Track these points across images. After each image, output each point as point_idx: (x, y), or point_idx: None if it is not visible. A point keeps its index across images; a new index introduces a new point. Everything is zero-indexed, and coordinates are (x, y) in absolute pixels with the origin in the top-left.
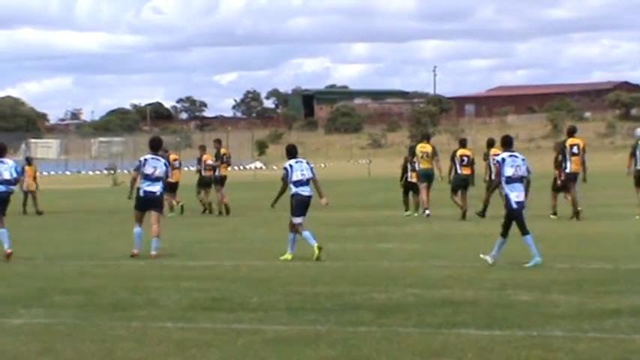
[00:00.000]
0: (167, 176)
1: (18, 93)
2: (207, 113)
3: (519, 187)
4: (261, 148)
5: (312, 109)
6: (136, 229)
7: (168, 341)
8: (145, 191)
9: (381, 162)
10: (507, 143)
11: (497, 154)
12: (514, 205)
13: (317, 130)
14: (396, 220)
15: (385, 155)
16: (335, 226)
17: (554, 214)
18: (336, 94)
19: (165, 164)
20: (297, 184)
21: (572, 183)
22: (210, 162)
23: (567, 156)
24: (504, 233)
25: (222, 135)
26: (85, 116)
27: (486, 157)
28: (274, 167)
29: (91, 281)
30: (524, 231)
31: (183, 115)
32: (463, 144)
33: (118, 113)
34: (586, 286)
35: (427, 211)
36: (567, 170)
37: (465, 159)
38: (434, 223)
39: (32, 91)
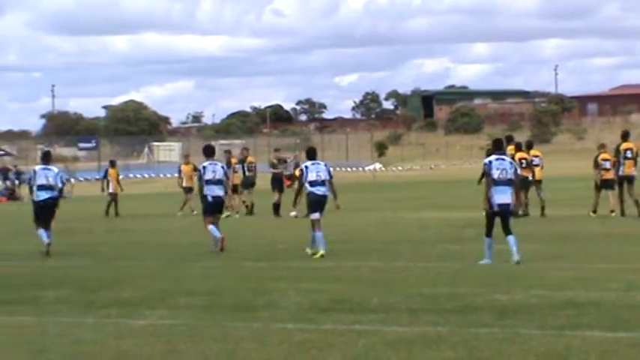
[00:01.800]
0: (227, 177)
1: (141, 97)
2: (327, 115)
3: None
4: (381, 149)
5: (431, 109)
6: (211, 227)
7: (290, 342)
8: (212, 196)
9: None
10: (497, 146)
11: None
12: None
13: (436, 131)
14: (516, 221)
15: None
16: (455, 227)
17: (594, 212)
18: (455, 95)
19: (222, 167)
20: (313, 183)
21: (629, 185)
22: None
23: (621, 160)
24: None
25: (342, 137)
26: (206, 119)
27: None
28: (394, 168)
29: (213, 283)
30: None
31: (303, 117)
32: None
33: (239, 116)
34: None
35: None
36: (620, 173)
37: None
38: (554, 223)
39: (155, 95)
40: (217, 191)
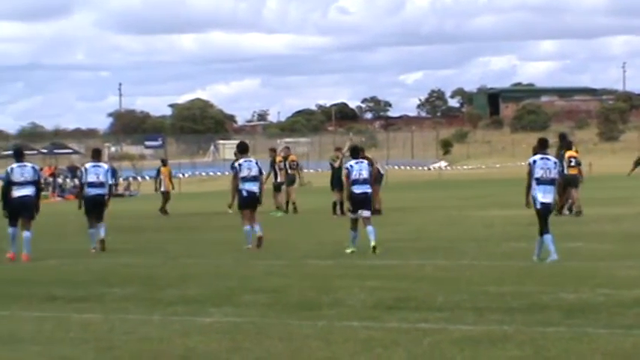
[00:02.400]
0: (261, 173)
1: (207, 95)
2: (392, 113)
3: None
4: (446, 147)
5: (497, 107)
6: (246, 228)
7: (355, 340)
8: (247, 191)
9: None
10: (542, 145)
11: None
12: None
13: (503, 129)
14: (583, 219)
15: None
16: (520, 225)
17: None
18: (521, 92)
19: (256, 163)
20: (354, 182)
21: None
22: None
23: None
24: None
25: (407, 135)
26: (272, 117)
27: None
28: (459, 167)
29: (278, 280)
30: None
31: (368, 115)
32: None
33: (304, 114)
34: None
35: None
36: None
37: None
38: (624, 222)
39: (221, 93)
40: (252, 187)
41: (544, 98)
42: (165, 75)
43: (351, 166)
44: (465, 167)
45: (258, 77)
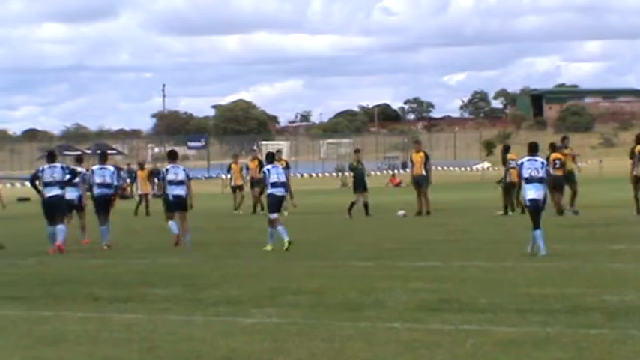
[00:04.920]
0: (189, 179)
1: (251, 96)
2: (435, 114)
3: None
4: (489, 148)
5: (540, 108)
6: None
7: (397, 341)
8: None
9: (613, 161)
10: (531, 149)
11: None
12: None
13: (546, 130)
14: (627, 221)
15: (617, 155)
16: (564, 227)
17: None
18: (565, 93)
19: (184, 170)
20: (273, 185)
21: None
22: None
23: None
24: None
25: (450, 135)
26: (314, 118)
27: None
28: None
29: (320, 281)
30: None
31: (411, 116)
32: None
33: (347, 115)
34: None
35: None
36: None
37: None
38: None
39: (264, 94)
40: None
41: (588, 99)
42: (208, 76)
43: (268, 170)
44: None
45: (302, 78)
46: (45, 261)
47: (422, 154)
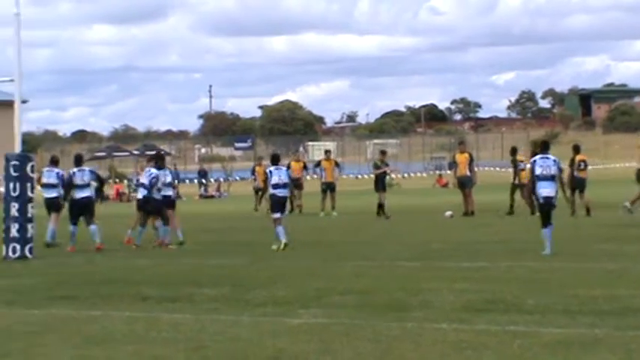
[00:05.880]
0: (290, 179)
1: (297, 97)
2: (482, 114)
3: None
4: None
5: (589, 108)
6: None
7: (444, 342)
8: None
9: None
10: (543, 147)
11: None
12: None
13: (594, 130)
14: None
15: None
16: (614, 227)
17: None
18: (614, 93)
19: (285, 171)
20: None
21: None
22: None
23: None
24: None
25: (497, 136)
26: (360, 119)
27: None
28: None
29: (367, 282)
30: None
31: (457, 117)
32: None
33: (393, 115)
34: None
35: None
36: None
37: None
38: None
39: (311, 95)
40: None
41: (637, 99)
42: (255, 76)
43: (270, 171)
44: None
45: (348, 79)
46: (93, 260)
47: (466, 154)
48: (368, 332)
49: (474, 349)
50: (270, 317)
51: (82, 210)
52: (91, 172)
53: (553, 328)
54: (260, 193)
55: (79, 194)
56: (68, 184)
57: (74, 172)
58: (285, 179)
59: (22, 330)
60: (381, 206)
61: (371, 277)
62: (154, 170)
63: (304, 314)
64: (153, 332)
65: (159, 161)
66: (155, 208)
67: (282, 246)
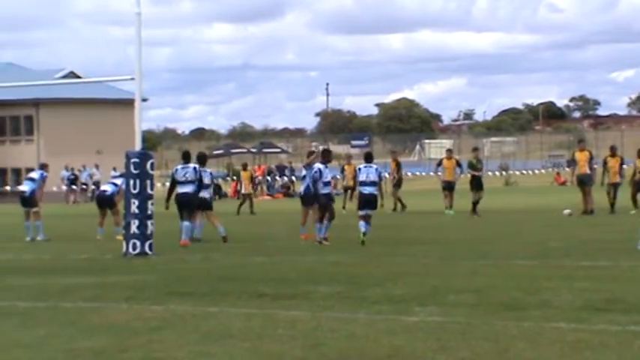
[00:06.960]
0: (380, 179)
1: (414, 95)
2: (601, 111)
3: None
4: None
5: None
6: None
7: (562, 342)
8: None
9: None
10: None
11: None
12: None
13: None
14: None
15: None
16: None
17: None
18: None
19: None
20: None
21: None
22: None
23: None
24: None
25: (617, 134)
26: (477, 116)
27: None
28: None
29: (483, 280)
30: None
31: (576, 114)
32: None
33: (510, 113)
34: None
35: None
36: None
37: None
38: None
39: (428, 93)
40: (325, 190)
41: None
42: (372, 74)
43: (359, 168)
44: None
45: (465, 76)
46: (210, 257)
47: (587, 152)
48: (484, 331)
49: (592, 349)
50: (386, 315)
51: (182, 206)
52: (195, 169)
53: None
54: (349, 191)
55: (180, 190)
56: (172, 181)
57: (177, 169)
58: (373, 177)
59: (140, 326)
60: (474, 204)
61: (488, 276)
62: (319, 165)
63: (420, 312)
64: (269, 329)
65: (327, 156)
66: (321, 202)
67: (361, 236)
